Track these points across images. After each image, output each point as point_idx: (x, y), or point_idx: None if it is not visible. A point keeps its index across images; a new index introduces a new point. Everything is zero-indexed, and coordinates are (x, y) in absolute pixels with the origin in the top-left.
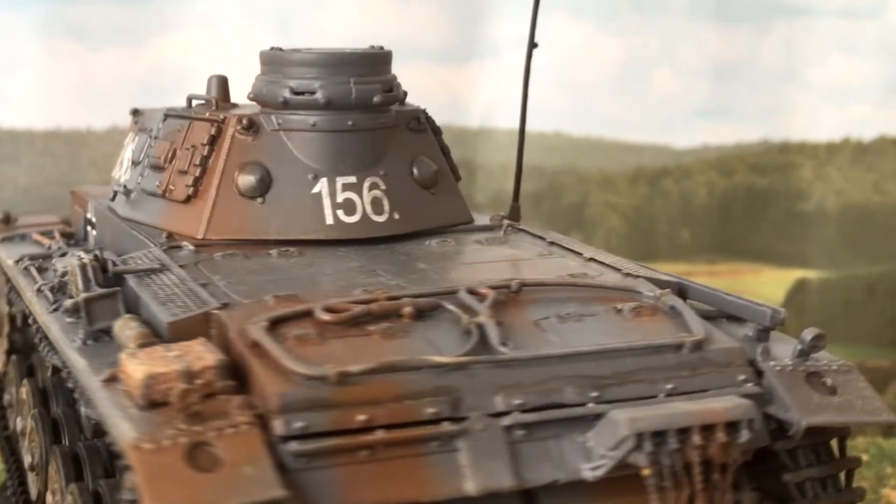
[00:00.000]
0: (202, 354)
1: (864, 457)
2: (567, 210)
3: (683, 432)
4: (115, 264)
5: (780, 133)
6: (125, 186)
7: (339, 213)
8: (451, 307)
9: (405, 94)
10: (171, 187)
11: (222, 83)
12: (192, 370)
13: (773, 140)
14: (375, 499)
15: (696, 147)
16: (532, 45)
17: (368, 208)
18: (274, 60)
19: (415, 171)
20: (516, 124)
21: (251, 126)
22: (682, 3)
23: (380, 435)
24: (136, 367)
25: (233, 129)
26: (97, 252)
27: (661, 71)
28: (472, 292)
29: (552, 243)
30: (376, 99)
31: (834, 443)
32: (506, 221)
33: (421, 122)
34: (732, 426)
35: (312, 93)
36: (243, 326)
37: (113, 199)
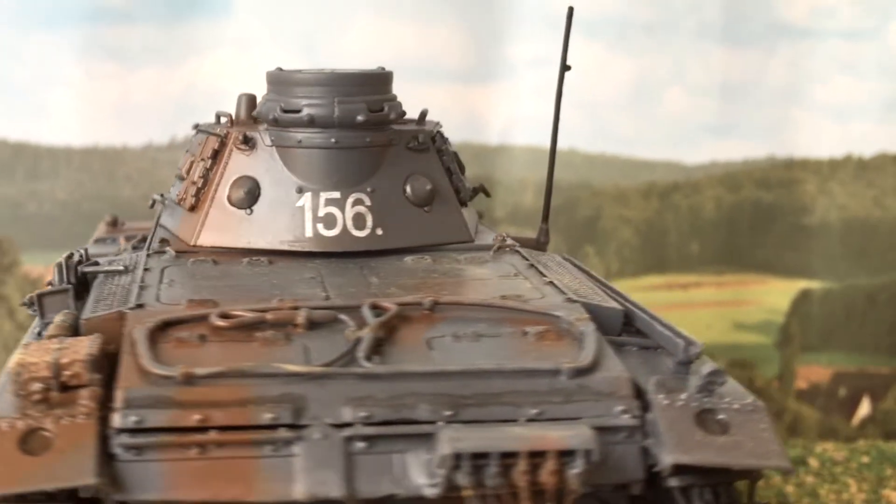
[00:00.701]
0: (79, 349)
1: (865, 459)
2: (582, 223)
3: (509, 456)
4: (96, 263)
5: (785, 150)
6: (161, 195)
7: (319, 226)
8: (346, 320)
9: (404, 112)
10: (184, 196)
11: (250, 101)
12: (60, 362)
13: (779, 156)
14: (199, 495)
15: (705, 163)
16: (564, 67)
17: (349, 223)
18: (272, 80)
19: (408, 189)
20: (533, 141)
21: (247, 141)
22: (692, 25)
23: (211, 435)
24: (18, 356)
25: (232, 144)
26: (81, 250)
27: (672, 90)
28: (375, 307)
29: (531, 266)
30: (360, 118)
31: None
32: (509, 241)
33: (421, 142)
34: (567, 455)
35: (298, 111)
36: (133, 326)
37: (151, 206)
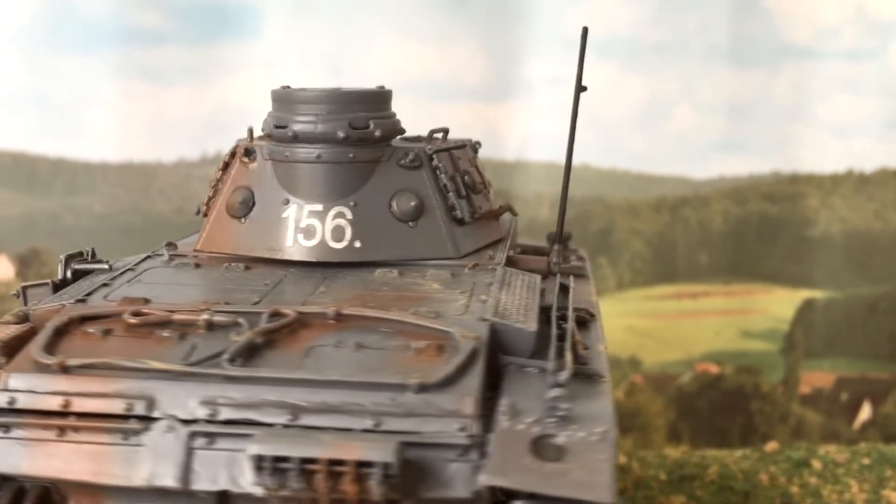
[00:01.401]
0: (2, 334)
1: (866, 461)
2: (595, 236)
3: (312, 462)
4: (97, 261)
5: (790, 165)
6: (198, 205)
7: (300, 237)
8: (243, 324)
9: (402, 130)
10: (204, 206)
11: None
12: None
13: (783, 172)
14: (51, 474)
15: (713, 178)
16: (580, 88)
17: (328, 235)
18: (272, 97)
19: (393, 204)
20: (549, 157)
21: (248, 154)
22: (700, 47)
23: (70, 420)
24: None
25: (238, 157)
26: (89, 249)
27: (681, 109)
28: (275, 314)
29: (492, 284)
30: (340, 134)
31: None
32: (495, 265)
33: (412, 159)
34: (367, 466)
35: (285, 126)
36: (51, 318)
37: (196, 213)
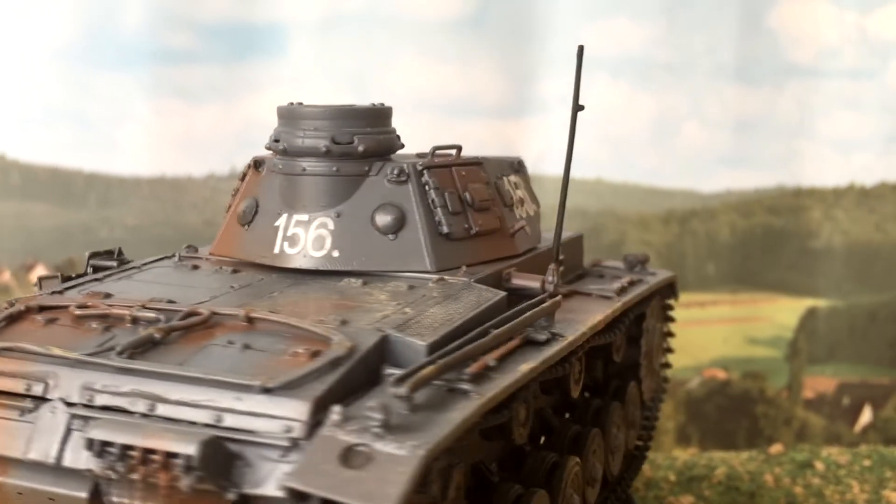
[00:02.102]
0: None
1: (867, 462)
2: (608, 247)
3: (130, 449)
4: (119, 259)
5: (793, 179)
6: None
7: (285, 245)
8: (162, 320)
9: (401, 145)
10: (226, 213)
11: None
12: None
13: (787, 185)
14: None
15: (720, 192)
16: (577, 107)
17: (309, 244)
18: (277, 113)
19: (376, 216)
20: (562, 171)
21: (257, 165)
22: (708, 66)
23: None
24: None
25: (251, 168)
26: (114, 249)
27: (689, 125)
28: (191, 313)
29: (432, 298)
30: (322, 148)
31: None
32: (464, 279)
33: (398, 174)
34: (173, 456)
35: (278, 140)
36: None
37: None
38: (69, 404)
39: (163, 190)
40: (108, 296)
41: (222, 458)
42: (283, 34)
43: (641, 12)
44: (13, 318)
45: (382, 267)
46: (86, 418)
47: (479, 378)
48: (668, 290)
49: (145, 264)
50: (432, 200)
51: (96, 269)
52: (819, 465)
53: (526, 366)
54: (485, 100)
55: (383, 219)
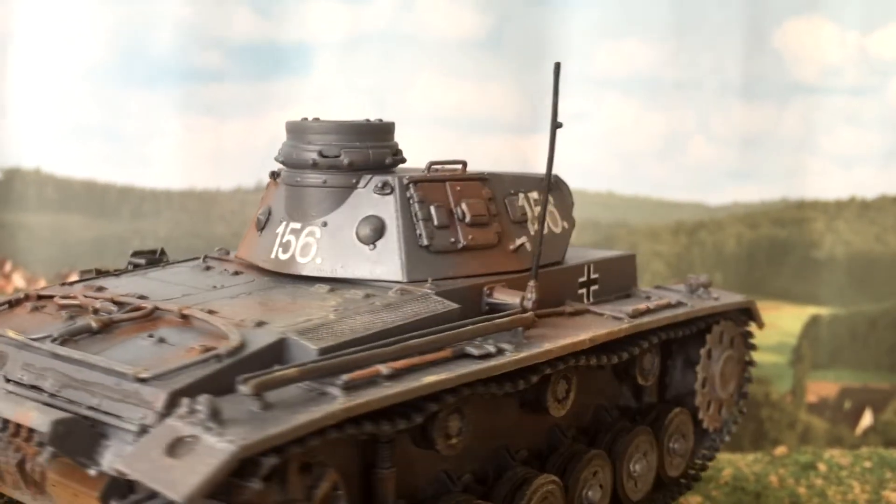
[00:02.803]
0: None
1: (867, 464)
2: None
3: (7, 423)
4: (156, 258)
5: (797, 192)
6: None
7: (279, 250)
8: (114, 312)
9: (402, 160)
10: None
11: None
12: None
13: (791, 198)
14: None
15: (727, 204)
16: (555, 124)
17: (297, 250)
18: (285, 127)
19: (358, 227)
20: (576, 185)
21: (275, 176)
22: (714, 83)
23: None
24: None
25: (270, 178)
26: (157, 249)
27: (697, 141)
28: (135, 308)
29: (371, 305)
30: (310, 161)
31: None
32: (426, 290)
33: (383, 187)
34: (33, 432)
35: (280, 154)
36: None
37: None
38: (7, 380)
39: (192, 202)
40: (100, 289)
41: (82, 436)
42: (307, 53)
43: (651, 33)
44: (12, 304)
45: (360, 275)
46: (13, 394)
47: (364, 385)
48: (743, 315)
49: (170, 264)
50: (415, 213)
51: (136, 266)
52: (822, 467)
53: (433, 378)
54: (501, 116)
55: (364, 229)
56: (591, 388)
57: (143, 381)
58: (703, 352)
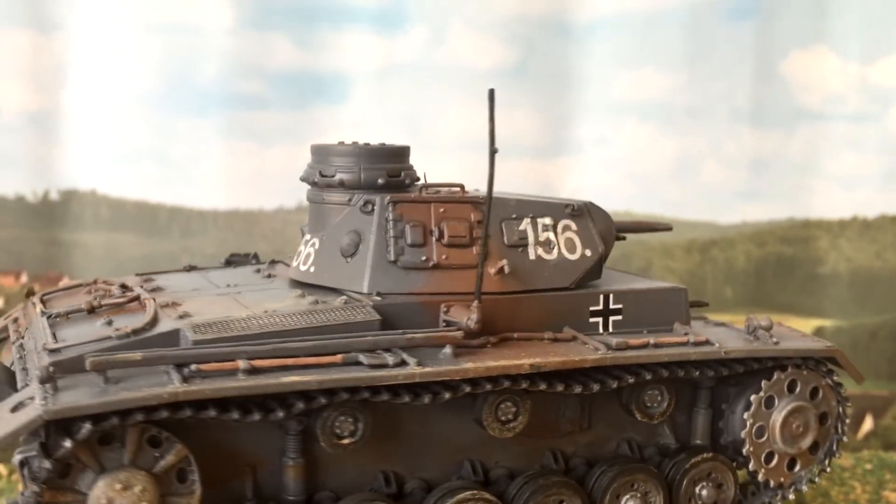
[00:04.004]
0: None
1: (868, 466)
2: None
3: None
4: (247, 259)
5: (803, 212)
6: None
7: (298, 259)
8: (115, 295)
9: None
10: None
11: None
12: None
13: (797, 218)
14: None
15: (737, 223)
16: (493, 150)
17: (302, 259)
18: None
19: (341, 240)
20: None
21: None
22: (725, 110)
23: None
24: None
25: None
26: (251, 253)
27: (709, 163)
28: (123, 295)
29: (284, 310)
30: (314, 180)
31: None
32: (367, 301)
33: (364, 205)
34: None
35: (303, 174)
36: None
37: None
38: (21, 346)
39: (237, 222)
40: (149, 280)
41: None
42: (345, 82)
43: (666, 63)
44: (82, 286)
45: (337, 284)
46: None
47: (216, 376)
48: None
49: (238, 265)
50: (388, 231)
51: (228, 263)
52: None
53: (293, 378)
54: (525, 141)
55: (344, 242)
56: (607, 419)
57: (49, 351)
58: (754, 398)
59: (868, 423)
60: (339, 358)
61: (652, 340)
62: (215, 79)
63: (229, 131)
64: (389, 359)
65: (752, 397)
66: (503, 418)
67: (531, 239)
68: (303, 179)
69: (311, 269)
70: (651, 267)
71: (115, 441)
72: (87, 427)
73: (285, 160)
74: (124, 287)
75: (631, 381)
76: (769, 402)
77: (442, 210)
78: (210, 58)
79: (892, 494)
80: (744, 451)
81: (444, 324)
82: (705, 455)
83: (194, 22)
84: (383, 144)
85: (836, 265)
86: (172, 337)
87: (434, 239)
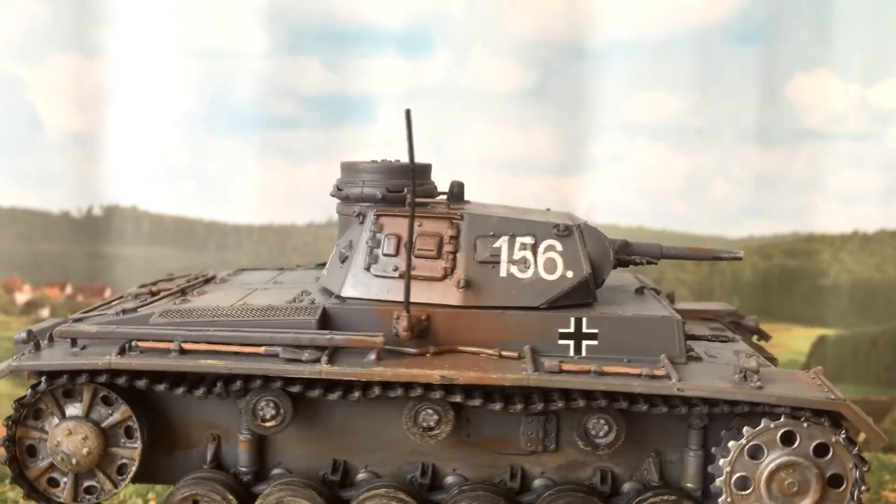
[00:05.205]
0: None
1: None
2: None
3: None
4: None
5: (806, 227)
6: None
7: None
8: (173, 289)
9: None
10: None
11: (460, 186)
12: None
13: (801, 232)
14: None
15: (744, 237)
16: (413, 165)
17: (329, 262)
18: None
19: (341, 248)
20: (611, 221)
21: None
22: (732, 130)
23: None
24: None
25: None
26: (298, 265)
27: (717, 181)
28: (169, 287)
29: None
30: (330, 193)
31: None
32: (323, 303)
33: (359, 216)
34: None
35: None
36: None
37: None
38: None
39: (270, 236)
40: (239, 272)
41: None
42: (372, 104)
43: (676, 85)
44: (153, 283)
45: (331, 287)
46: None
47: (151, 353)
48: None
49: (308, 269)
50: (369, 240)
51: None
52: None
53: (210, 361)
54: (543, 159)
55: (341, 250)
56: (576, 444)
57: (73, 320)
58: (733, 445)
59: None
60: (262, 349)
61: (594, 368)
62: (250, 101)
63: (263, 150)
64: (306, 355)
65: (731, 443)
66: (424, 425)
67: (504, 256)
68: (332, 194)
69: (325, 273)
70: (663, 279)
71: (76, 396)
72: (43, 381)
73: (316, 177)
74: (207, 279)
75: (560, 405)
76: (756, 453)
77: (420, 224)
78: (245, 81)
79: (891, 494)
80: (720, 500)
81: (395, 330)
82: (666, 497)
83: (230, 47)
84: (397, 161)
85: (838, 277)
86: (146, 318)
87: (405, 250)
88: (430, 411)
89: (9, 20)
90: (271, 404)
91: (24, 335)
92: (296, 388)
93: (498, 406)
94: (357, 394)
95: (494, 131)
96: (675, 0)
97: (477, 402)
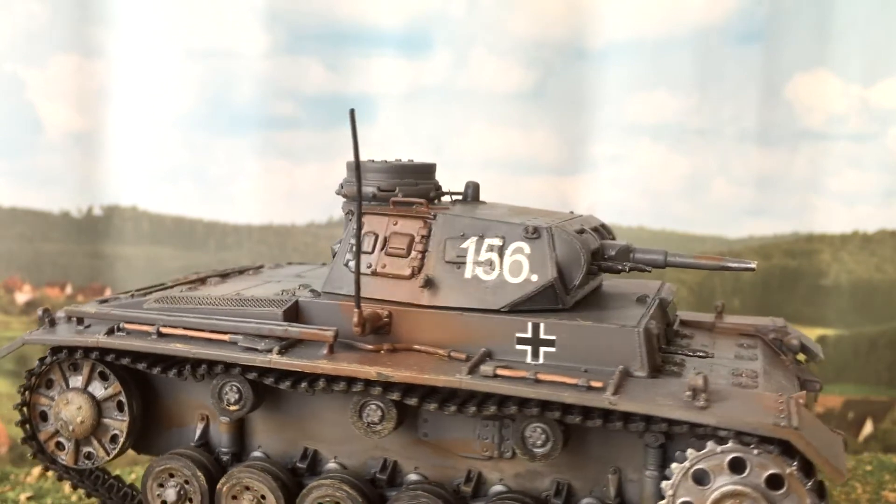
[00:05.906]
0: None
1: (868, 468)
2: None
3: None
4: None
5: (806, 227)
6: None
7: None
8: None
9: (374, 194)
10: None
11: (475, 187)
12: None
13: (801, 232)
14: None
15: (744, 237)
16: (358, 164)
17: (333, 258)
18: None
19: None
20: (611, 220)
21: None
22: (733, 130)
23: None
24: None
25: None
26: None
27: (718, 181)
28: (194, 278)
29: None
30: (335, 191)
31: None
32: (296, 297)
33: (348, 216)
34: None
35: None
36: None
37: None
38: None
39: (270, 236)
40: (259, 268)
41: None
42: (373, 104)
43: (677, 85)
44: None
45: (321, 281)
46: None
47: (134, 333)
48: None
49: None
50: (350, 238)
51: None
52: None
53: (178, 346)
54: (544, 159)
55: (332, 247)
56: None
57: (99, 302)
58: (676, 467)
59: (868, 427)
60: (226, 337)
61: (529, 375)
62: (250, 101)
63: (263, 150)
64: (262, 345)
65: (673, 465)
66: (368, 420)
67: (470, 258)
68: (336, 192)
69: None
70: (663, 279)
71: (80, 370)
72: (48, 354)
73: (316, 178)
74: (250, 270)
75: (492, 410)
76: (702, 478)
77: (395, 223)
78: (245, 81)
79: (891, 494)
80: None
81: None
82: None
83: (231, 47)
84: (411, 161)
85: (838, 277)
86: (141, 303)
87: (379, 249)
88: (373, 407)
89: (9, 21)
90: (234, 389)
91: (41, 313)
92: (252, 376)
93: (432, 406)
94: (304, 385)
95: (495, 131)
96: (675, 0)
97: (413, 400)
